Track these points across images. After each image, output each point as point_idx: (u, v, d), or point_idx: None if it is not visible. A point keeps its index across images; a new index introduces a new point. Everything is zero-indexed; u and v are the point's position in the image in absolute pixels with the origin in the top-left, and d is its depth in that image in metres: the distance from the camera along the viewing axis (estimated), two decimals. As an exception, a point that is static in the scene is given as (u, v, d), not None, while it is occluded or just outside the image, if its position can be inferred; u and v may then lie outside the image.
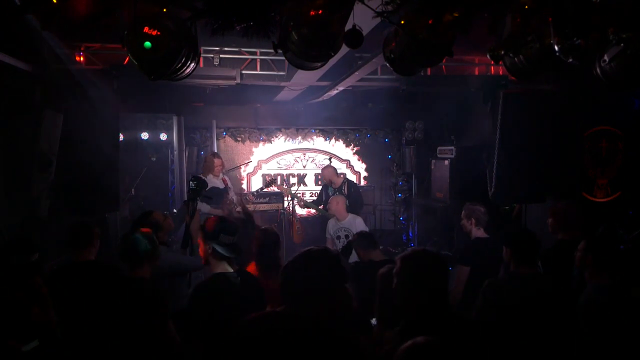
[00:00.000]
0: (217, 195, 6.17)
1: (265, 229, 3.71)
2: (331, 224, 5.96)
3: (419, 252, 2.27)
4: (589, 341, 2.61)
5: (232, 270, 2.84)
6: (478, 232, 4.19)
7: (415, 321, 2.09)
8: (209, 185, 6.11)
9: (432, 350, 1.58)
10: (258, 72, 6.36)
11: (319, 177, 8.54)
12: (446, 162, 7.03)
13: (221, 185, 6.27)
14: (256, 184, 8.29)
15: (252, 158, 8.38)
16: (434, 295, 2.14)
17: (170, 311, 2.77)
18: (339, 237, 5.91)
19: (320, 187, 8.34)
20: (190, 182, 4.56)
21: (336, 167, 7.61)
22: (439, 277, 2.17)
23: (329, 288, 1.96)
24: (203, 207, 5.92)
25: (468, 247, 4.18)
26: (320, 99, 7.31)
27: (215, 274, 2.82)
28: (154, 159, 7.42)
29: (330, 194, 6.80)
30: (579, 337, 2.66)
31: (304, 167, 8.67)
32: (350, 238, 5.82)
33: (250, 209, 7.11)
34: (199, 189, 4.31)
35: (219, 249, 2.79)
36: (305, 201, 7.36)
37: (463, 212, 4.31)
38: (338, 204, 5.90)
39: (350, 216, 5.89)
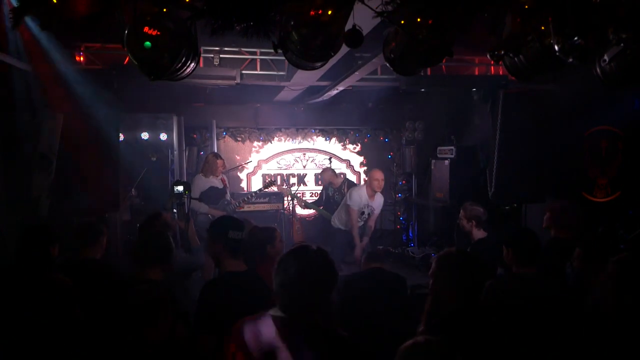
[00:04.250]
0: (216, 195, 6.18)
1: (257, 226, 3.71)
2: (362, 197, 5.96)
3: (454, 253, 2.31)
4: (597, 342, 2.60)
5: (242, 270, 2.84)
6: (479, 233, 4.20)
7: (448, 319, 2.11)
8: (208, 185, 6.14)
9: (433, 350, 1.59)
10: (258, 72, 6.36)
11: (319, 177, 8.56)
12: (446, 162, 7.03)
13: (220, 185, 6.28)
14: (256, 184, 8.29)
15: (252, 158, 8.38)
16: (468, 295, 2.18)
17: (183, 310, 2.78)
18: (362, 213, 6.06)
19: (320, 187, 8.37)
20: (175, 187, 4.59)
21: (336, 167, 7.61)
22: (473, 277, 2.22)
23: (319, 285, 1.96)
24: (202, 207, 5.93)
25: (474, 251, 4.15)
26: (320, 99, 7.31)
27: (226, 272, 2.82)
28: (154, 159, 7.41)
29: (330, 194, 6.81)
30: (586, 337, 2.65)
31: (304, 167, 8.67)
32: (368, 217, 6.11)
33: (250, 209, 7.16)
34: (187, 192, 4.39)
35: (229, 246, 2.80)
36: (305, 202, 7.36)
37: (462, 212, 4.30)
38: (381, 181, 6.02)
39: (378, 195, 6.09)
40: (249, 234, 3.41)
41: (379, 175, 6.03)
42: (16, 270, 3.10)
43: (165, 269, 2.93)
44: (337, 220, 6.26)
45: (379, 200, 6.13)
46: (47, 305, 2.33)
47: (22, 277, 2.86)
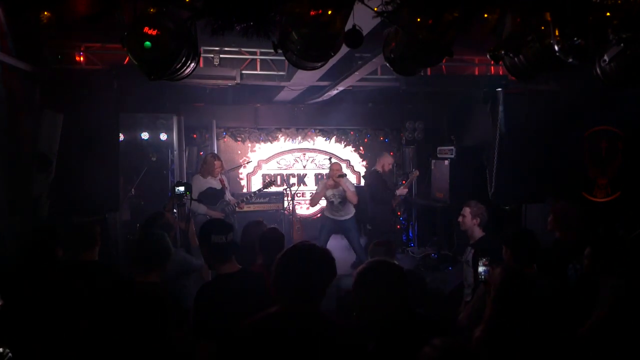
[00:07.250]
0: (214, 196, 6.17)
1: (272, 227, 3.70)
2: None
3: (372, 264, 2.27)
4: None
5: (235, 271, 2.81)
6: (480, 233, 4.17)
7: (382, 330, 2.11)
8: (206, 186, 6.13)
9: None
10: (258, 72, 6.35)
11: (319, 177, 8.55)
12: (446, 162, 7.03)
13: (218, 186, 6.27)
14: (256, 184, 8.29)
15: (252, 158, 8.38)
16: (392, 303, 2.14)
17: (183, 310, 2.77)
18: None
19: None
20: (177, 188, 4.61)
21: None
22: (393, 285, 2.17)
23: (321, 283, 2.02)
24: (200, 208, 5.93)
25: (476, 249, 4.09)
26: (320, 98, 7.31)
27: (219, 275, 2.80)
28: (154, 159, 7.41)
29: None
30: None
31: (304, 167, 8.67)
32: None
33: (249, 209, 7.15)
34: (188, 193, 4.39)
35: (213, 250, 2.76)
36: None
37: (469, 209, 4.18)
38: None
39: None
40: (268, 233, 3.42)
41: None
42: (22, 271, 3.09)
43: (163, 270, 2.93)
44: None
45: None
46: (57, 305, 2.33)
47: (29, 278, 2.86)
